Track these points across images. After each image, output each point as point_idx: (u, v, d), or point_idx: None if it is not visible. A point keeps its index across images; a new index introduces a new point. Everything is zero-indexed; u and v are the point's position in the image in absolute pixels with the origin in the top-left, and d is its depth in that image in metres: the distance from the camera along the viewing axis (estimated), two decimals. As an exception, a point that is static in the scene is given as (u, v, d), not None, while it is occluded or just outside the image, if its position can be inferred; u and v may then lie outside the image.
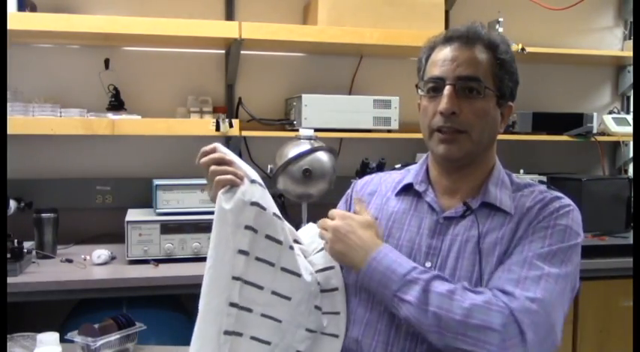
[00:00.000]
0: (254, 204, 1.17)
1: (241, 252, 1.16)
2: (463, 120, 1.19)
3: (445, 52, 1.23)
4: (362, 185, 1.42)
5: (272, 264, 1.19)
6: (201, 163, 1.19)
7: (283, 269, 1.21)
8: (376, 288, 1.17)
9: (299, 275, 1.23)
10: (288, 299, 1.21)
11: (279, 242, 1.20)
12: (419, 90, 1.28)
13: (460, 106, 1.19)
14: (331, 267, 1.30)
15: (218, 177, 1.17)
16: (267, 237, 1.19)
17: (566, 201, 1.25)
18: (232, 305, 1.15)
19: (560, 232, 1.18)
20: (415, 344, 1.18)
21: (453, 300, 1.10)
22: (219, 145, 1.21)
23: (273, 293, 1.20)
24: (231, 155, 1.20)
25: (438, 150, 1.23)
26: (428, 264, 1.22)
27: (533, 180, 2.63)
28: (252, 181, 1.18)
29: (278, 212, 1.22)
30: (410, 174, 1.35)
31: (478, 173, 1.27)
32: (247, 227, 1.16)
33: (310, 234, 1.40)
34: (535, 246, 1.17)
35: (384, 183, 1.39)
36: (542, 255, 1.16)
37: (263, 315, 1.19)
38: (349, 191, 1.45)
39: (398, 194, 1.33)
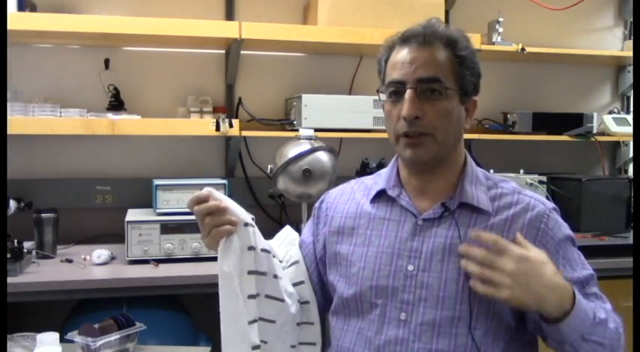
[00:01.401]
0: (250, 248, 1.20)
1: (251, 296, 1.20)
2: (427, 123, 1.19)
3: (403, 54, 1.21)
4: (335, 196, 1.40)
5: (257, 295, 1.23)
6: (195, 211, 1.18)
7: (268, 296, 1.24)
8: (567, 334, 1.12)
9: (282, 300, 1.26)
10: (273, 322, 1.25)
11: (263, 274, 1.23)
12: (380, 95, 1.26)
13: (423, 109, 1.18)
14: (302, 282, 1.33)
15: (215, 230, 1.17)
16: (255, 272, 1.22)
17: (548, 203, 1.28)
18: (255, 348, 1.18)
19: (567, 236, 1.25)
20: (405, 350, 1.19)
21: (618, 330, 1.18)
22: (212, 191, 1.19)
23: (261, 319, 1.23)
24: (225, 200, 1.20)
25: (406, 154, 1.22)
26: (410, 267, 1.21)
27: (533, 181, 2.64)
28: (246, 224, 1.21)
29: (265, 245, 1.26)
30: (381, 178, 1.34)
31: (449, 171, 1.27)
32: (250, 272, 1.20)
33: (286, 241, 1.41)
34: (577, 266, 1.24)
35: (356, 190, 1.38)
36: (588, 273, 1.24)
37: None
38: (317, 205, 1.43)
39: (372, 200, 1.32)
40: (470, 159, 1.30)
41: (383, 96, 1.25)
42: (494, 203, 1.24)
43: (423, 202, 1.26)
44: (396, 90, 1.21)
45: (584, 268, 1.25)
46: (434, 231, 1.23)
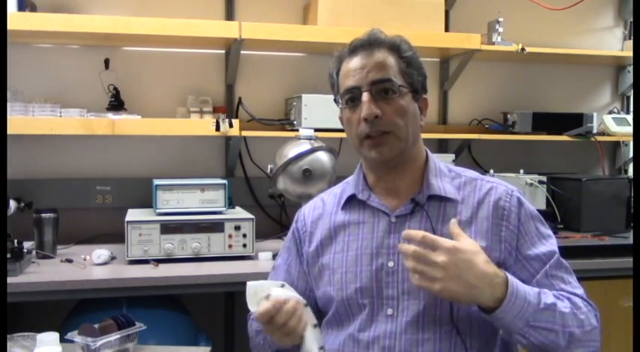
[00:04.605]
0: (315, 326, 1.24)
1: None
2: (387, 121, 1.24)
3: (354, 63, 1.28)
4: (308, 212, 1.43)
5: None
6: (276, 322, 1.16)
7: None
8: (509, 322, 1.13)
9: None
10: None
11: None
12: (338, 105, 1.33)
13: (381, 109, 1.24)
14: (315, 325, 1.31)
15: (299, 326, 1.19)
16: (323, 347, 1.25)
17: (510, 186, 1.32)
18: None
19: (529, 213, 1.29)
20: (393, 343, 1.22)
21: (577, 315, 1.19)
22: (273, 295, 1.18)
23: None
24: (286, 294, 1.20)
25: (371, 155, 1.27)
26: (391, 264, 1.26)
27: (533, 181, 2.64)
28: (306, 305, 1.23)
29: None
30: (349, 185, 1.38)
31: (412, 168, 1.32)
32: (321, 348, 1.23)
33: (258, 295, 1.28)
34: (537, 242, 1.26)
35: (328, 202, 1.41)
36: (547, 250, 1.26)
37: None
38: (294, 225, 1.44)
39: (344, 207, 1.36)
40: (431, 155, 1.36)
41: (340, 106, 1.32)
42: (460, 191, 1.30)
43: (393, 201, 1.31)
44: (353, 97, 1.27)
45: (545, 244, 1.27)
46: (407, 226, 1.26)
